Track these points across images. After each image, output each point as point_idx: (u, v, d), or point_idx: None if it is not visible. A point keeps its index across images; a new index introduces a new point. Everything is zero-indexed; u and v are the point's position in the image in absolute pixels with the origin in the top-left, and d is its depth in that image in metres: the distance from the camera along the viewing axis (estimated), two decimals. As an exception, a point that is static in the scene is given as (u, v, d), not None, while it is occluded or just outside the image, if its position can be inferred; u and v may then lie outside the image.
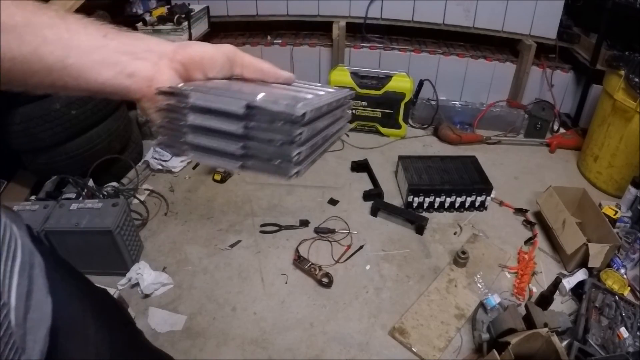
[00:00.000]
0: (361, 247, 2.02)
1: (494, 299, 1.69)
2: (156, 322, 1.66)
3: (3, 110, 1.86)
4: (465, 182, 2.23)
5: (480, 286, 1.82)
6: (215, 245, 2.01)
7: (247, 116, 0.40)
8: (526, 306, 1.60)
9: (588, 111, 2.78)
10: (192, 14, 2.55)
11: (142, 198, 2.24)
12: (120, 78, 0.43)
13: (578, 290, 1.78)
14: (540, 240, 2.09)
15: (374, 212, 2.20)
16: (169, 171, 2.45)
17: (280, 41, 3.05)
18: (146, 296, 1.75)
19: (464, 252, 1.91)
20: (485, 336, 1.56)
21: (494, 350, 1.40)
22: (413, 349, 1.60)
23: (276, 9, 2.92)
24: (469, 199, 2.22)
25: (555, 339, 1.38)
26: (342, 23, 2.88)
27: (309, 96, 0.45)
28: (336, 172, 2.47)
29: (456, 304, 1.77)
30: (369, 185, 2.38)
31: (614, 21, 2.48)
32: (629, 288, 1.82)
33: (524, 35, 2.84)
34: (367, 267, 1.93)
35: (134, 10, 2.60)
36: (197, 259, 1.94)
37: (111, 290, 1.72)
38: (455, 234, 2.12)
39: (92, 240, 1.71)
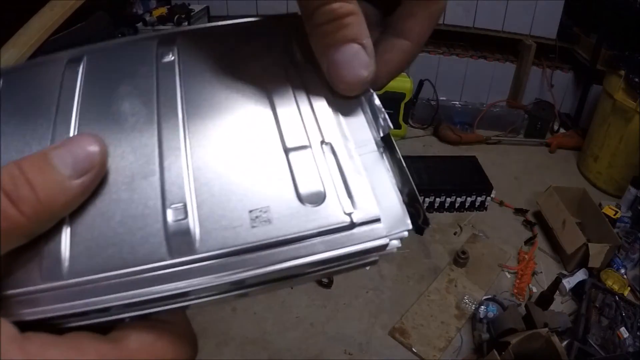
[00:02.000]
0: (361, 247, 2.01)
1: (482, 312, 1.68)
2: (156, 322, 1.66)
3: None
4: (465, 182, 2.23)
5: (467, 302, 1.81)
6: (215, 245, 2.01)
7: None
8: (526, 306, 1.60)
9: (588, 111, 2.77)
10: (192, 14, 2.55)
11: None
12: None
13: (578, 290, 1.78)
14: (540, 240, 2.09)
15: (374, 212, 2.20)
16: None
17: (280, 41, 3.05)
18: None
19: (464, 252, 1.91)
20: (485, 336, 1.57)
21: (494, 350, 1.40)
22: (413, 349, 1.60)
23: (276, 9, 2.92)
24: (469, 199, 2.21)
25: (555, 339, 1.38)
26: (342, 23, 2.88)
27: None
28: (336, 172, 2.47)
29: (456, 304, 1.77)
30: (369, 185, 2.38)
31: (614, 21, 2.48)
32: (629, 288, 1.82)
33: (524, 35, 2.84)
34: (367, 267, 1.92)
35: (134, 10, 2.60)
36: (197, 259, 1.94)
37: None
38: (455, 234, 2.12)
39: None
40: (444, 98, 2.93)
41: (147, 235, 0.20)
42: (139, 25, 2.43)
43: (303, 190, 0.22)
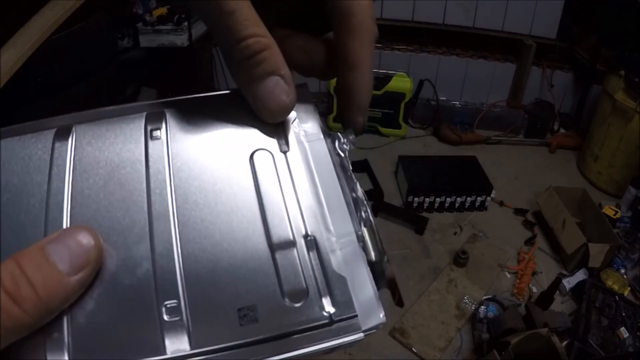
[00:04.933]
0: (361, 247, 2.02)
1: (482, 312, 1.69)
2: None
3: (3, 110, 1.86)
4: (465, 182, 2.23)
5: (467, 302, 1.81)
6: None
7: None
8: (526, 306, 1.60)
9: (588, 111, 2.77)
10: (192, 14, 2.55)
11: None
12: None
13: (578, 290, 1.78)
14: (540, 240, 2.09)
15: (374, 212, 2.19)
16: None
17: (280, 41, 3.04)
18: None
19: (464, 252, 1.91)
20: (485, 336, 1.57)
21: (494, 350, 1.40)
22: (413, 349, 1.60)
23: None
24: (469, 199, 2.21)
25: (555, 339, 1.38)
26: (342, 23, 2.88)
27: None
28: (336, 172, 2.47)
29: (456, 304, 1.77)
30: (369, 185, 2.38)
31: (614, 21, 2.48)
32: (629, 288, 1.82)
33: (524, 35, 2.84)
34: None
35: (134, 10, 2.60)
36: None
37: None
38: (455, 234, 2.12)
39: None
40: (444, 98, 2.93)
41: (145, 331, 0.22)
42: (139, 25, 2.43)
43: (287, 288, 0.23)
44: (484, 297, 1.76)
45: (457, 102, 2.96)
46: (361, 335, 0.23)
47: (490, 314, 1.67)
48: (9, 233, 0.22)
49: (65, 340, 0.21)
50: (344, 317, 0.23)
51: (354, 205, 0.26)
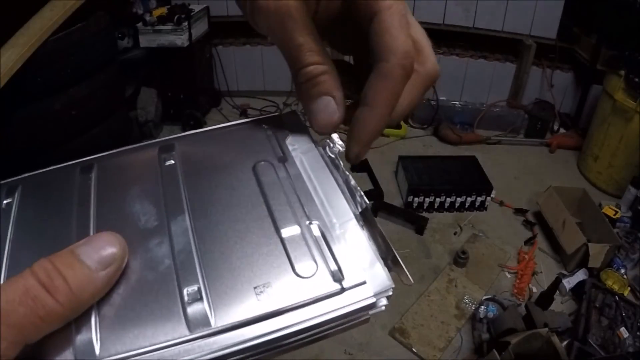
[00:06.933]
0: (361, 247, 2.02)
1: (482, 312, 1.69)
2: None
3: (2, 110, 1.86)
4: (465, 182, 2.23)
5: (467, 302, 1.81)
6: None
7: None
8: (526, 306, 1.60)
9: (588, 111, 2.77)
10: (192, 14, 2.55)
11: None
12: None
13: (578, 290, 1.78)
14: (540, 240, 2.09)
15: (374, 212, 2.20)
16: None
17: (280, 41, 3.04)
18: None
19: (464, 252, 1.91)
20: (485, 336, 1.57)
21: (494, 350, 1.40)
22: (413, 349, 1.60)
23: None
24: (469, 199, 2.22)
25: (555, 339, 1.38)
26: (342, 23, 2.88)
27: None
28: (336, 172, 2.47)
29: (456, 304, 1.77)
30: (369, 185, 2.38)
31: (614, 21, 2.48)
32: (629, 288, 1.82)
33: (524, 35, 2.84)
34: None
35: (134, 10, 2.60)
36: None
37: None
38: (455, 234, 2.12)
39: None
40: (444, 98, 2.93)
41: (168, 315, 0.23)
42: (139, 25, 2.43)
43: (298, 266, 0.25)
44: (484, 297, 1.76)
45: (457, 102, 2.95)
46: (372, 299, 0.24)
47: (490, 314, 1.67)
48: (44, 250, 0.23)
49: (94, 333, 0.23)
50: (353, 284, 0.24)
51: (349, 192, 0.29)
